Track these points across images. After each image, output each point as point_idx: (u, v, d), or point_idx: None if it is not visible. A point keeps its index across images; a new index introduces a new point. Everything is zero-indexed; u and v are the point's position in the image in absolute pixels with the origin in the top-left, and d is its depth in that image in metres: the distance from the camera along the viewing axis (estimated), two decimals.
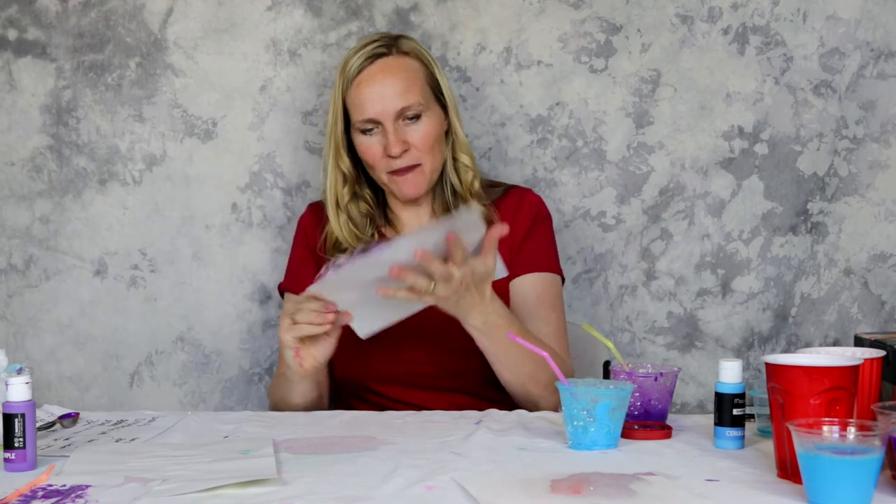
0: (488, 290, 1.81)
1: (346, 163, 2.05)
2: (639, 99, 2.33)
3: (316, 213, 2.15)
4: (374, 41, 2.03)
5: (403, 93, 1.99)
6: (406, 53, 2.03)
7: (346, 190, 2.06)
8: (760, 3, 2.31)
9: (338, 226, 2.06)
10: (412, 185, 2.02)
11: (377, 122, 1.99)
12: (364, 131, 2.01)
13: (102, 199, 2.33)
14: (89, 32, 2.31)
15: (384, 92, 1.98)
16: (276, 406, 2.02)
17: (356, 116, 2.01)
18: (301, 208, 2.25)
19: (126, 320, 2.34)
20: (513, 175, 2.32)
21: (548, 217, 2.11)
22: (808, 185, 2.34)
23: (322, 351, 1.82)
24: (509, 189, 2.13)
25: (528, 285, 2.05)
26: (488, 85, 2.33)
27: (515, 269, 2.04)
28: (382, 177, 2.03)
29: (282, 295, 2.15)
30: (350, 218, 2.07)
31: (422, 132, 2.00)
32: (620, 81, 2.33)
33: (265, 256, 2.32)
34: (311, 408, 1.96)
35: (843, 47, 2.32)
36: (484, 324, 1.84)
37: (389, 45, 2.03)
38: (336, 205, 2.06)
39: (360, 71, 2.00)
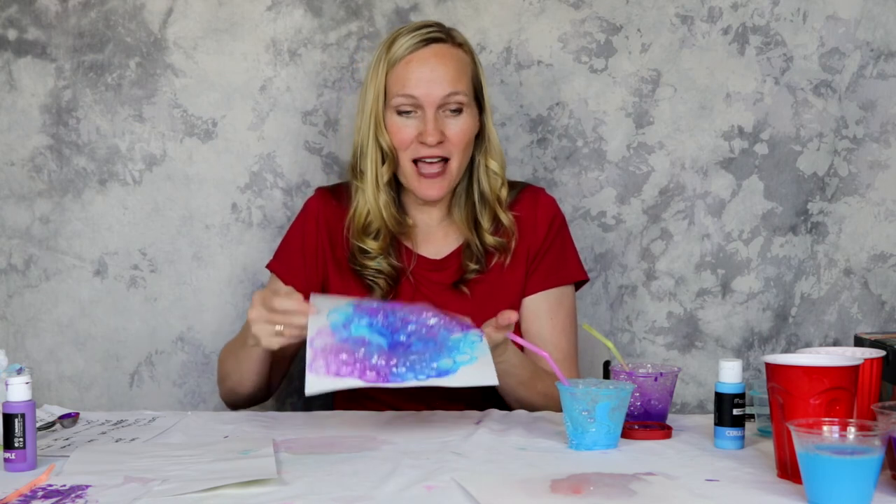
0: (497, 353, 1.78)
1: (386, 140, 1.97)
2: (639, 99, 2.33)
3: (327, 199, 2.10)
4: (429, 26, 2.00)
5: (453, 80, 1.96)
6: (460, 45, 2.01)
7: (385, 168, 1.99)
8: (760, 3, 2.31)
9: (377, 206, 2.00)
10: (437, 188, 1.99)
11: (418, 106, 1.95)
12: (401, 112, 1.97)
13: (102, 199, 2.33)
14: (89, 32, 2.30)
15: (434, 75, 1.95)
16: (223, 372, 2.01)
17: (397, 91, 1.96)
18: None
19: (126, 320, 2.34)
20: (512, 175, 2.31)
21: (563, 221, 2.10)
22: (808, 185, 2.34)
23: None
24: (521, 190, 2.10)
25: (542, 303, 2.04)
26: (488, 85, 2.32)
27: (530, 287, 2.04)
28: (406, 164, 1.98)
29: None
30: (388, 199, 2.01)
31: (460, 127, 1.97)
32: (620, 81, 2.33)
33: (265, 256, 2.31)
34: (261, 379, 1.96)
35: (843, 47, 2.32)
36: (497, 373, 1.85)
37: (445, 32, 2.00)
38: (376, 184, 2.00)
39: (411, 51, 1.96)
